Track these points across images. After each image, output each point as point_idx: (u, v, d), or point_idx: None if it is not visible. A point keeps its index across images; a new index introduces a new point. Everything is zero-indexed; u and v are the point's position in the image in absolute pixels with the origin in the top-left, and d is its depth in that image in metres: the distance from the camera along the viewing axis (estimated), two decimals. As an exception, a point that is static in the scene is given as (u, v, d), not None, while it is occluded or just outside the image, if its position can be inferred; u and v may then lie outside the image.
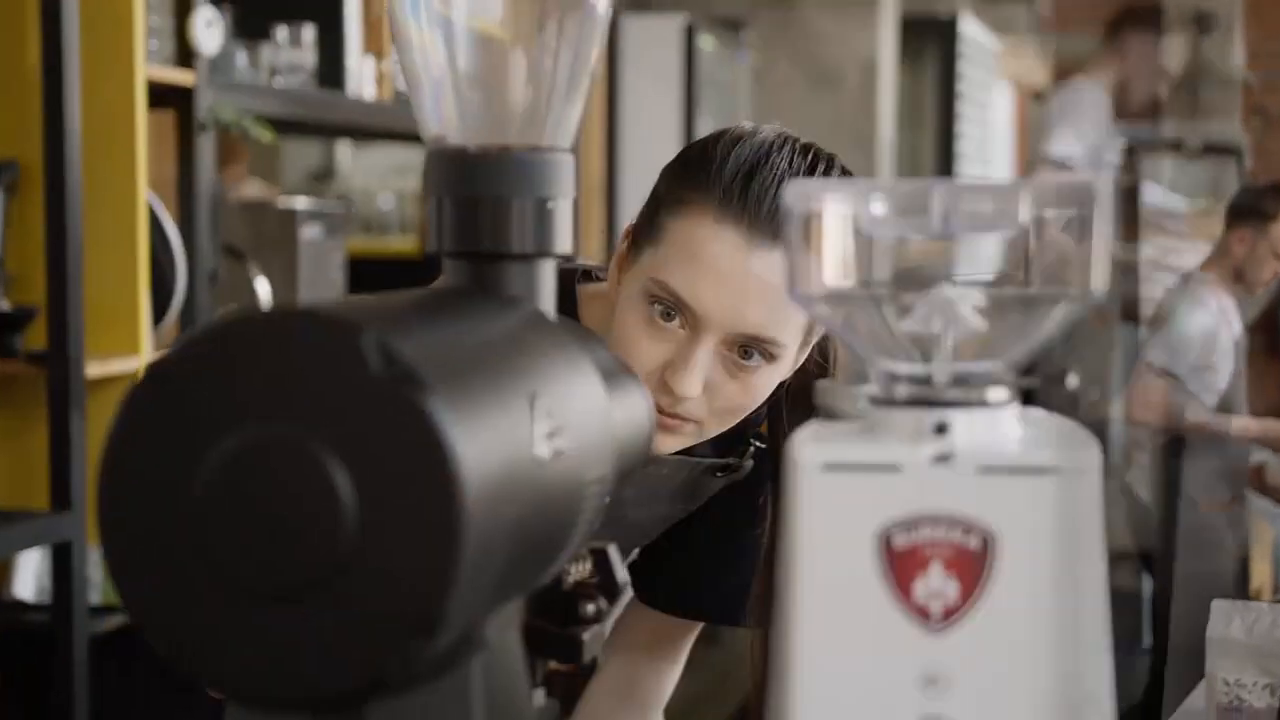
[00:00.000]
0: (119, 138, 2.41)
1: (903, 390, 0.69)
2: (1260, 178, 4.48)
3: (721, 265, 1.20)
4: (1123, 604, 4.09)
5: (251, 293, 2.86)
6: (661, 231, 1.23)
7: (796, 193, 0.68)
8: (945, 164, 7.23)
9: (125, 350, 2.44)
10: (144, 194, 2.44)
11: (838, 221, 0.69)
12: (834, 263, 0.69)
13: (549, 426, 0.67)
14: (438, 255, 0.77)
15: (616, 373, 0.83)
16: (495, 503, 0.61)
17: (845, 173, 1.26)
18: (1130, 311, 4.82)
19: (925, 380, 0.69)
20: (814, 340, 1.30)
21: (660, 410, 1.22)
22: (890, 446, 0.67)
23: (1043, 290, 0.67)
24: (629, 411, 0.82)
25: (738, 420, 1.28)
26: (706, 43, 4.94)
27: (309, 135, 4.02)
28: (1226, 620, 1.90)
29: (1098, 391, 4.60)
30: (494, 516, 0.61)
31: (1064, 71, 9.46)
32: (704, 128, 5.97)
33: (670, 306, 1.22)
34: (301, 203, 3.09)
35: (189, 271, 2.59)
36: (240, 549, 0.60)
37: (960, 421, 0.67)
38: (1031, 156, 4.49)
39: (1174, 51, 4.53)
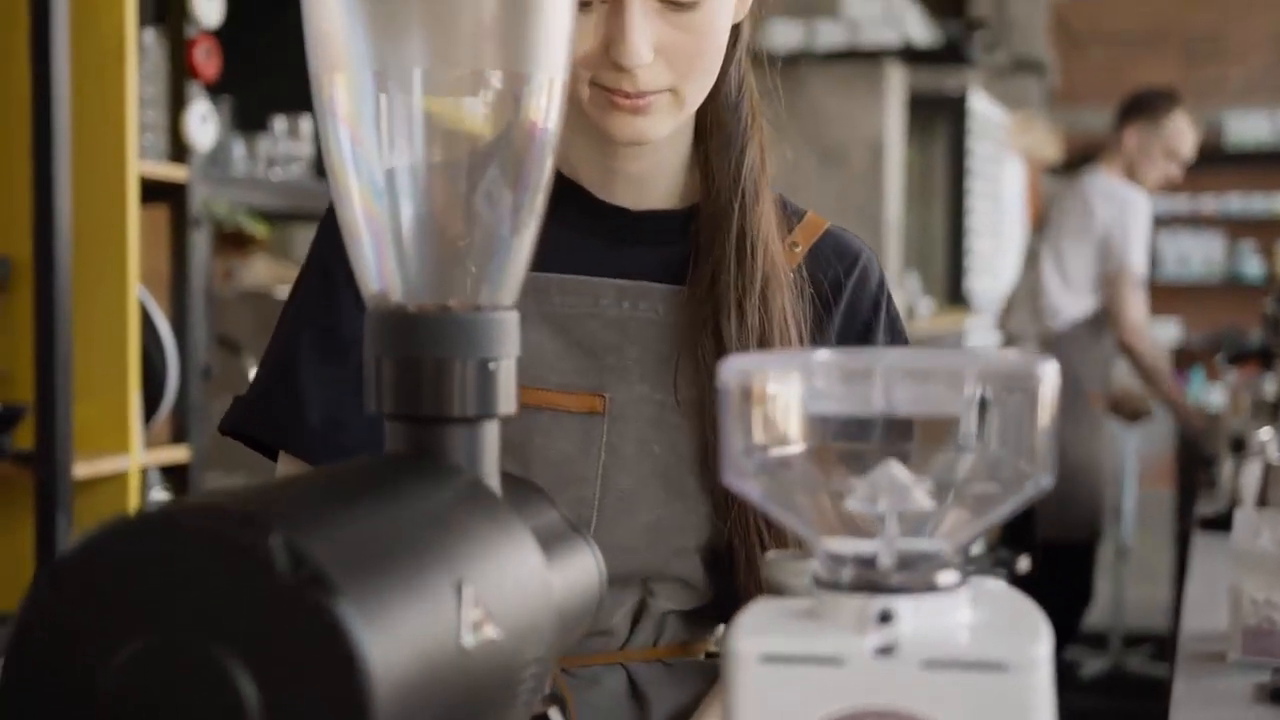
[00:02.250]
0: (111, 234, 2.40)
1: (846, 574, 0.66)
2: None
3: None
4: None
5: (246, 385, 2.84)
6: None
7: (733, 368, 0.66)
8: (955, 238, 7.22)
9: (115, 449, 2.42)
10: (135, 291, 2.43)
11: (777, 398, 0.66)
12: (773, 440, 0.67)
13: (478, 614, 0.65)
14: (379, 417, 0.75)
15: (561, 534, 0.80)
16: (413, 705, 0.58)
17: None
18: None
19: (871, 561, 0.66)
20: None
21: (625, 94, 1.14)
22: (832, 636, 0.64)
23: (987, 482, 0.65)
24: (573, 575, 0.80)
25: (712, 76, 1.17)
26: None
27: (309, 222, 4.02)
28: (1253, 530, 1.73)
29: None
30: (412, 718, 0.58)
31: (1074, 145, 9.50)
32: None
33: None
34: (300, 292, 3.07)
35: (182, 366, 2.58)
36: (144, 757, 0.57)
37: (906, 609, 0.64)
38: (1100, 268, 4.39)
39: (1184, 131, 4.49)
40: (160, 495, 2.78)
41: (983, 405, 0.66)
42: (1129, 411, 4.82)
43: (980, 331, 6.98)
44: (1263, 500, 2.78)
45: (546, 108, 0.76)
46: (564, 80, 0.76)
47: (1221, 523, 2.85)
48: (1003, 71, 8.46)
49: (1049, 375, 0.64)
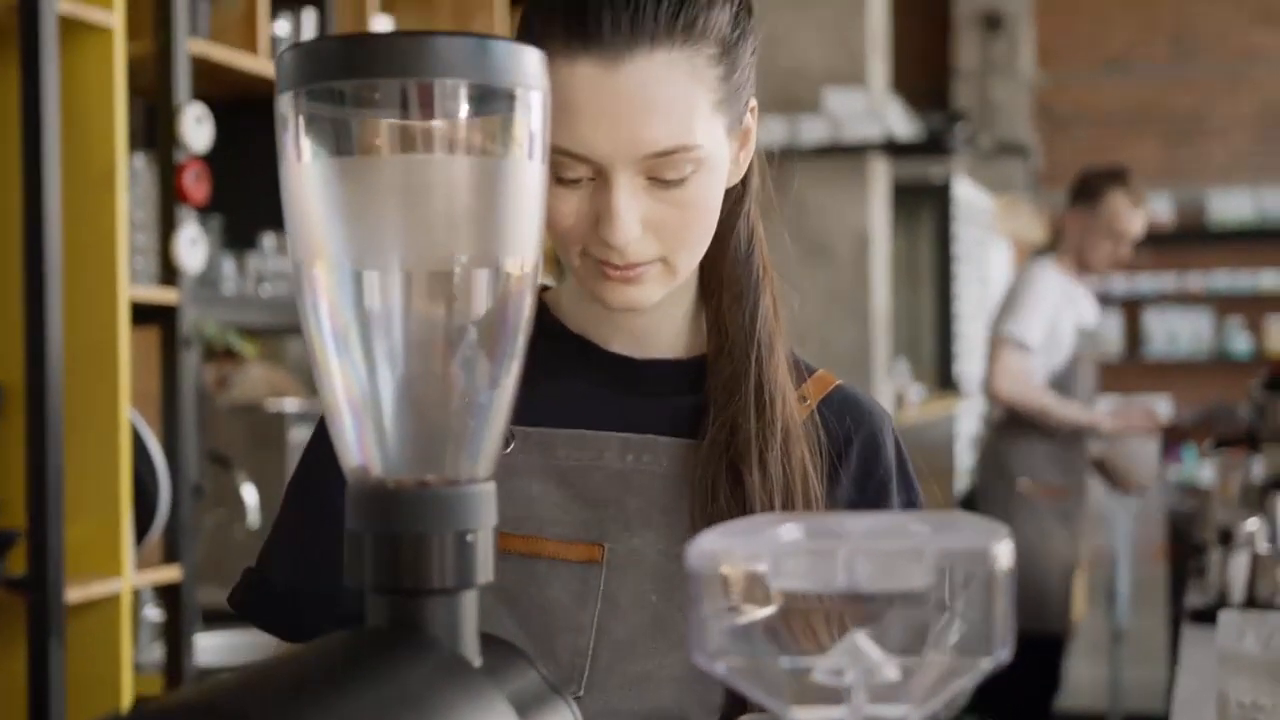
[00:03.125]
0: (102, 359, 2.43)
1: (815, 746, 0.68)
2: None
3: (589, 100, 1.10)
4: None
5: (238, 501, 2.86)
6: None
7: (700, 552, 0.68)
8: (943, 324, 7.27)
9: (107, 572, 2.44)
10: (126, 415, 2.45)
11: (743, 577, 0.68)
12: (740, 616, 0.69)
13: (456, 794, 0.67)
14: (360, 591, 0.77)
15: (541, 696, 0.82)
16: None
17: None
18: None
19: (839, 731, 0.68)
20: (746, 121, 1.21)
21: (615, 266, 1.15)
22: (801, 810, 0.66)
23: (950, 652, 0.67)
24: (553, 738, 0.81)
25: (704, 243, 1.18)
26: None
27: (300, 335, 4.06)
28: (1238, 633, 1.72)
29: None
30: None
31: (1060, 226, 9.59)
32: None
33: (565, 165, 1.12)
34: (291, 405, 3.10)
35: (173, 487, 2.60)
36: None
37: (872, 781, 0.66)
38: (990, 333, 4.51)
39: (1121, 210, 4.41)
40: (153, 614, 2.79)
41: (943, 579, 0.68)
42: (1121, 484, 4.77)
43: (969, 417, 7.02)
44: (1250, 593, 2.79)
45: (520, 285, 0.79)
46: (536, 258, 0.79)
47: (1210, 615, 2.86)
48: (987, 155, 8.55)
49: (1003, 553, 0.66)
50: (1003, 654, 0.67)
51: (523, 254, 0.78)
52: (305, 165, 0.76)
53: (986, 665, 0.68)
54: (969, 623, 0.68)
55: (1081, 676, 5.89)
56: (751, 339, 1.23)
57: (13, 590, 2.31)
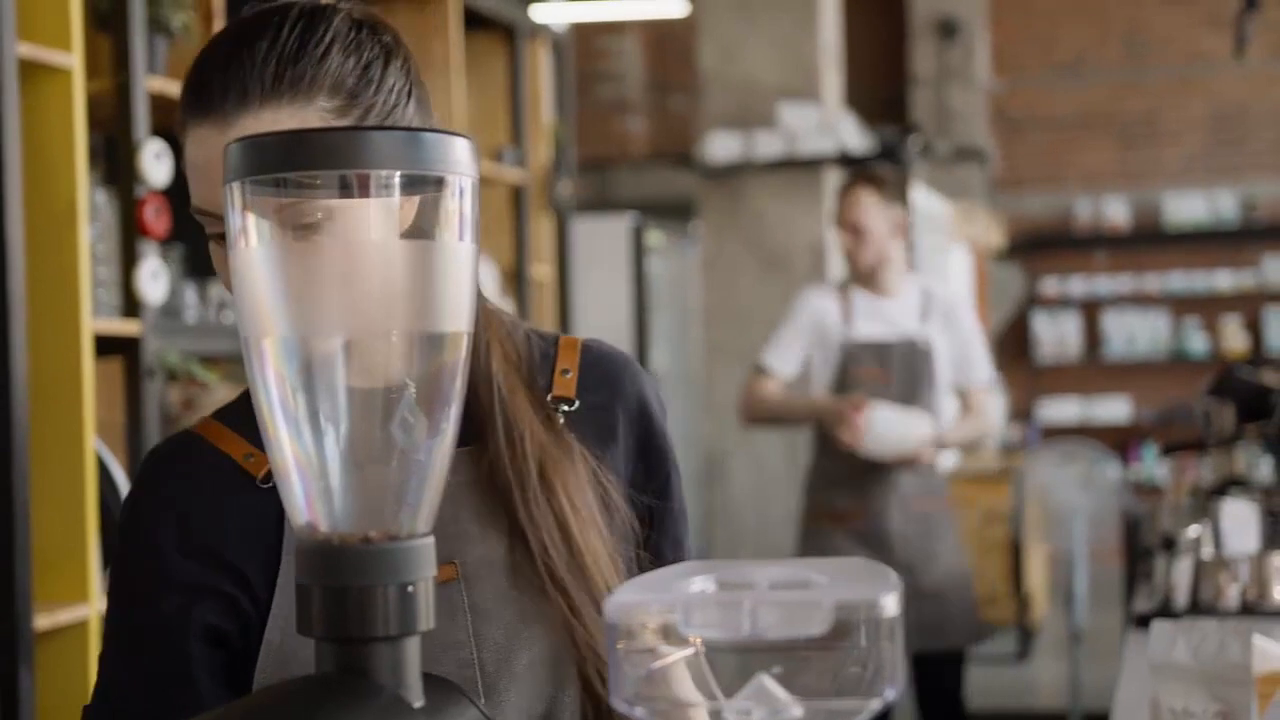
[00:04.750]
0: (66, 390, 2.47)
1: (725, 780, 0.75)
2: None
3: (207, 160, 1.19)
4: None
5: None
6: None
7: (618, 604, 0.75)
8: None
9: (74, 599, 2.49)
10: (91, 445, 2.50)
11: (656, 627, 0.75)
12: (654, 663, 0.75)
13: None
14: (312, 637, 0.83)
15: (481, 734, 0.89)
16: None
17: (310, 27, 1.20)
18: None
19: (747, 766, 0.75)
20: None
21: None
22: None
23: (847, 693, 0.74)
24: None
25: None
26: (655, 238, 5.08)
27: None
28: (1169, 642, 1.78)
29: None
30: None
31: (1018, 230, 9.70)
32: (656, 319, 6.14)
33: (209, 223, 1.20)
34: (253, 428, 3.14)
35: (138, 513, 2.64)
36: None
37: (776, 811, 0.73)
38: (842, 342, 4.20)
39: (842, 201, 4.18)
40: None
41: (840, 626, 0.75)
42: (904, 465, 4.51)
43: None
44: (1194, 598, 2.86)
45: (455, 349, 0.85)
46: (468, 324, 0.86)
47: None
48: (945, 161, 8.64)
49: (891, 601, 0.73)
50: (890, 693, 0.74)
51: (456, 322, 0.85)
52: (252, 249, 0.83)
53: (876, 704, 0.74)
54: (861, 665, 0.74)
55: (1042, 675, 5.99)
56: (490, 385, 1.29)
57: (-19, 621, 2.36)
